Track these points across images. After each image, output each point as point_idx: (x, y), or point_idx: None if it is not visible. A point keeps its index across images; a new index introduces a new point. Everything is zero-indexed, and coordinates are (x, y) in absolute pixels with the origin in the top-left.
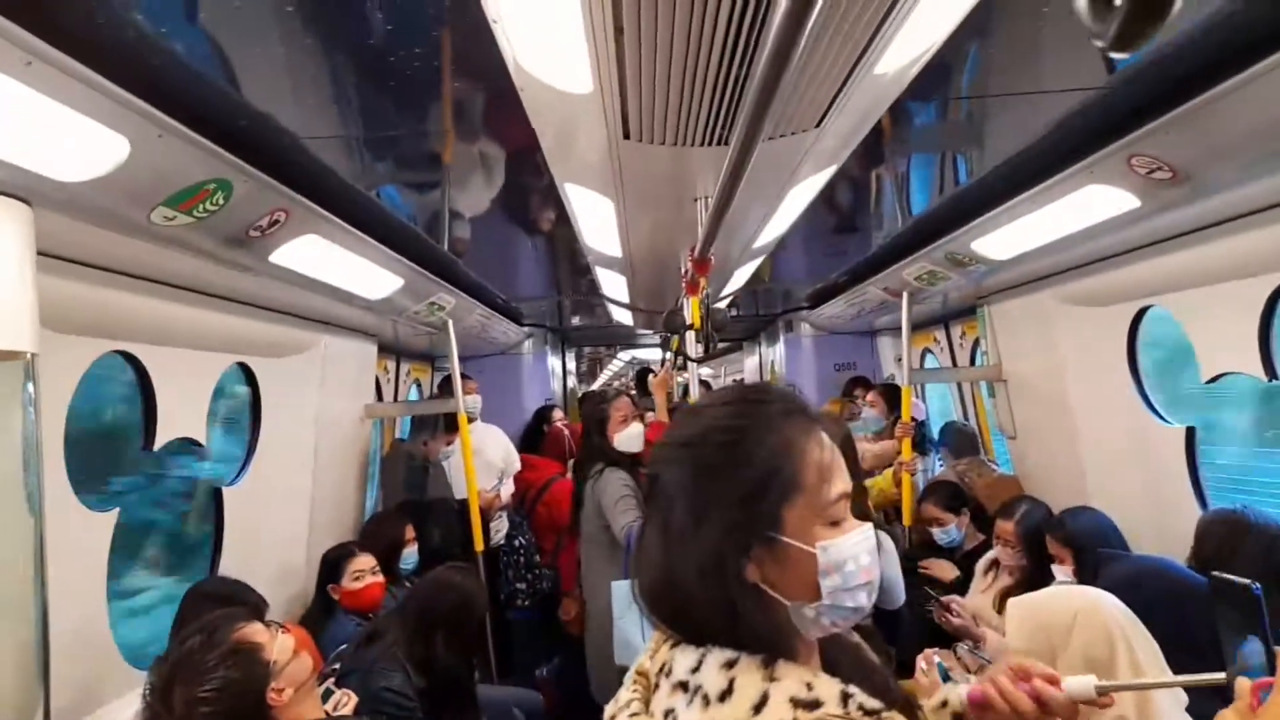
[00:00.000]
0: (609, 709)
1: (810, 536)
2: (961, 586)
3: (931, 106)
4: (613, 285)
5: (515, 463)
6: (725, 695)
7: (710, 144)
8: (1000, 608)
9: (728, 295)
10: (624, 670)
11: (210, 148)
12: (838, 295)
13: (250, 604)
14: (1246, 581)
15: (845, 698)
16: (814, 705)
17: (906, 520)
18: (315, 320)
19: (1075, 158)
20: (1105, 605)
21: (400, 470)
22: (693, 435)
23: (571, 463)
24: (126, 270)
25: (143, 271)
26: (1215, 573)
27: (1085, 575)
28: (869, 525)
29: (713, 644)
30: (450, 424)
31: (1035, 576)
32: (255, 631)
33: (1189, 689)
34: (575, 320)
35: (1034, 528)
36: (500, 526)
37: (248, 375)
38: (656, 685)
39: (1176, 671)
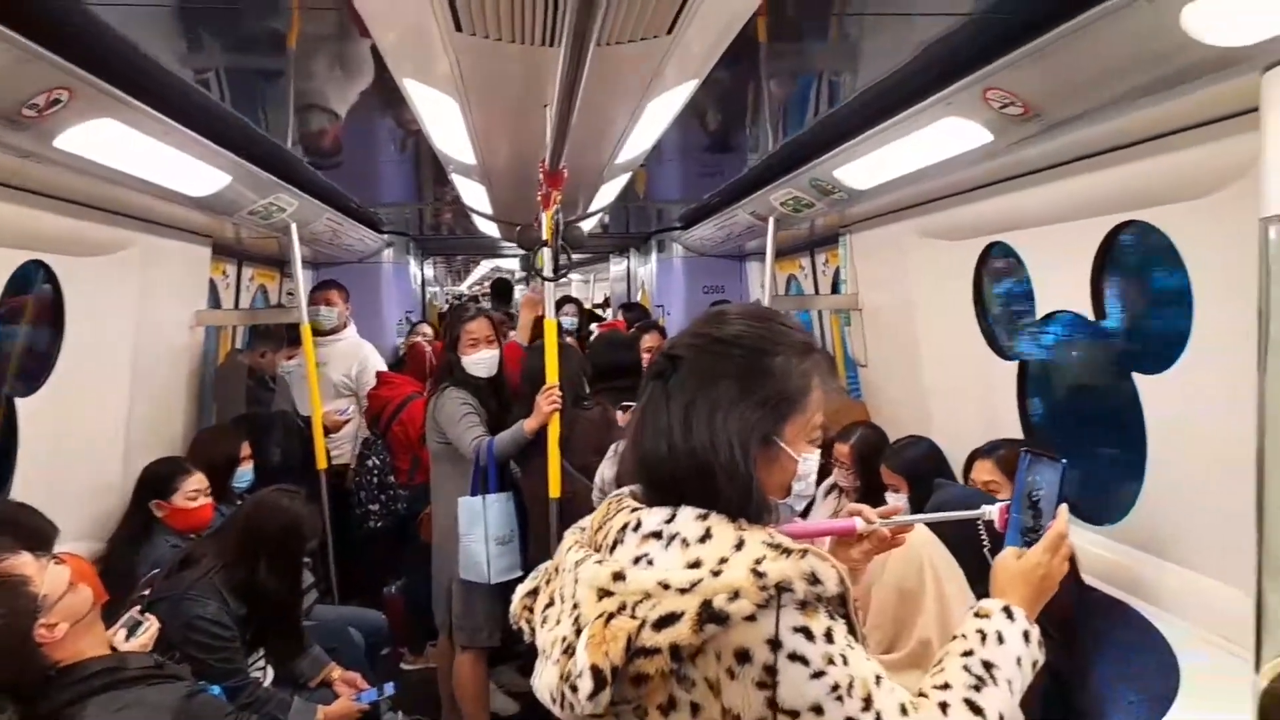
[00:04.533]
0: (523, 587)
1: (798, 449)
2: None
3: (804, 23)
4: (472, 194)
5: (370, 381)
6: (705, 539)
7: (551, 44)
8: None
9: (596, 211)
10: (468, 584)
11: None
12: (710, 217)
13: (31, 529)
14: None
15: (805, 549)
16: (781, 548)
17: None
18: (129, 216)
19: (938, 87)
20: (917, 538)
21: (240, 383)
22: (728, 335)
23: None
24: None
25: None
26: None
27: (917, 503)
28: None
29: (685, 504)
30: (296, 335)
31: (868, 499)
32: (21, 564)
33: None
34: (438, 229)
35: (868, 450)
36: (343, 447)
37: (48, 275)
38: (616, 543)
39: (978, 596)
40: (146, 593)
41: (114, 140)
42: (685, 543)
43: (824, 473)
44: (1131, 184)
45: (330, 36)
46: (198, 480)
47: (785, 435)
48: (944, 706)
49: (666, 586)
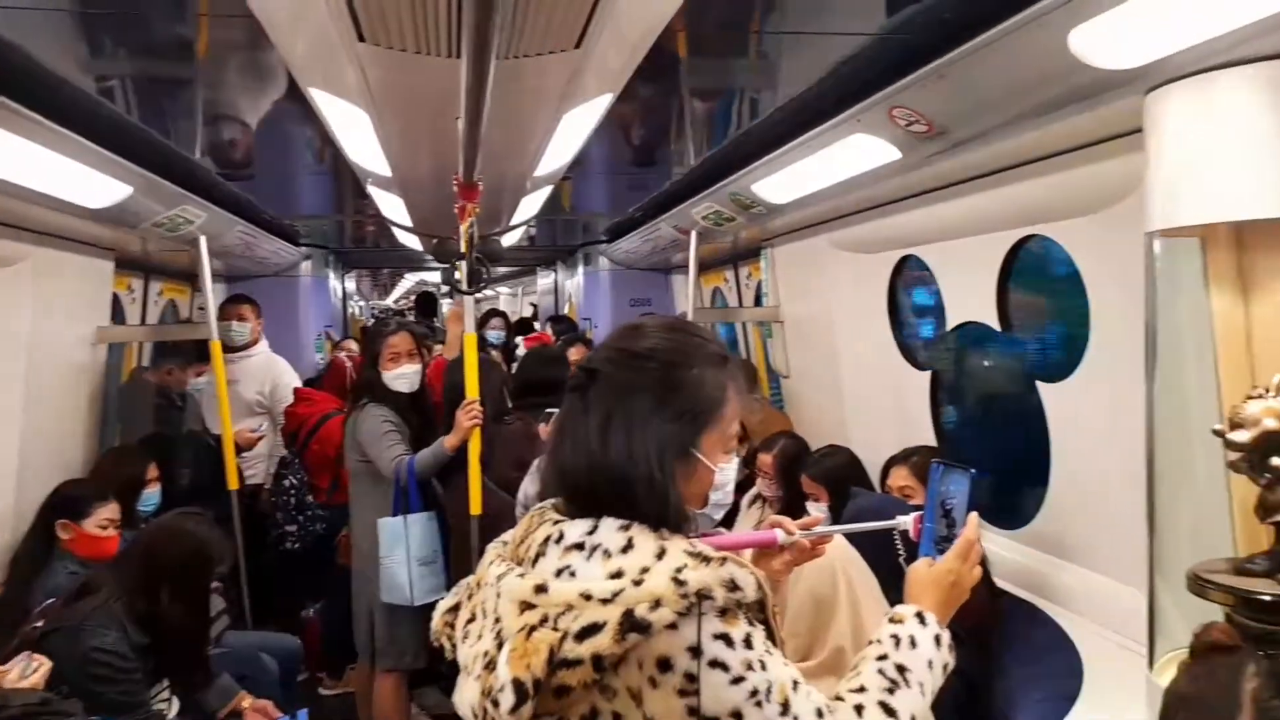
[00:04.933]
0: (444, 603)
1: (715, 459)
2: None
3: (721, 40)
4: (391, 207)
5: (285, 398)
6: (627, 549)
7: (455, 55)
8: None
9: (520, 224)
10: (390, 606)
11: None
12: (635, 230)
13: None
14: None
15: (725, 558)
16: (702, 556)
17: None
18: (21, 229)
19: (848, 105)
20: (830, 546)
21: (146, 402)
22: (644, 349)
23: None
24: None
25: None
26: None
27: (836, 511)
28: (737, 458)
29: (607, 516)
30: (204, 352)
31: (790, 508)
32: None
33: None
34: (361, 242)
35: (789, 460)
36: (256, 466)
37: None
38: (539, 556)
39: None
40: (40, 623)
41: (1, 150)
42: (607, 554)
43: (748, 483)
44: (1032, 200)
45: (239, 45)
46: (112, 510)
47: (702, 446)
48: (859, 709)
49: (588, 597)
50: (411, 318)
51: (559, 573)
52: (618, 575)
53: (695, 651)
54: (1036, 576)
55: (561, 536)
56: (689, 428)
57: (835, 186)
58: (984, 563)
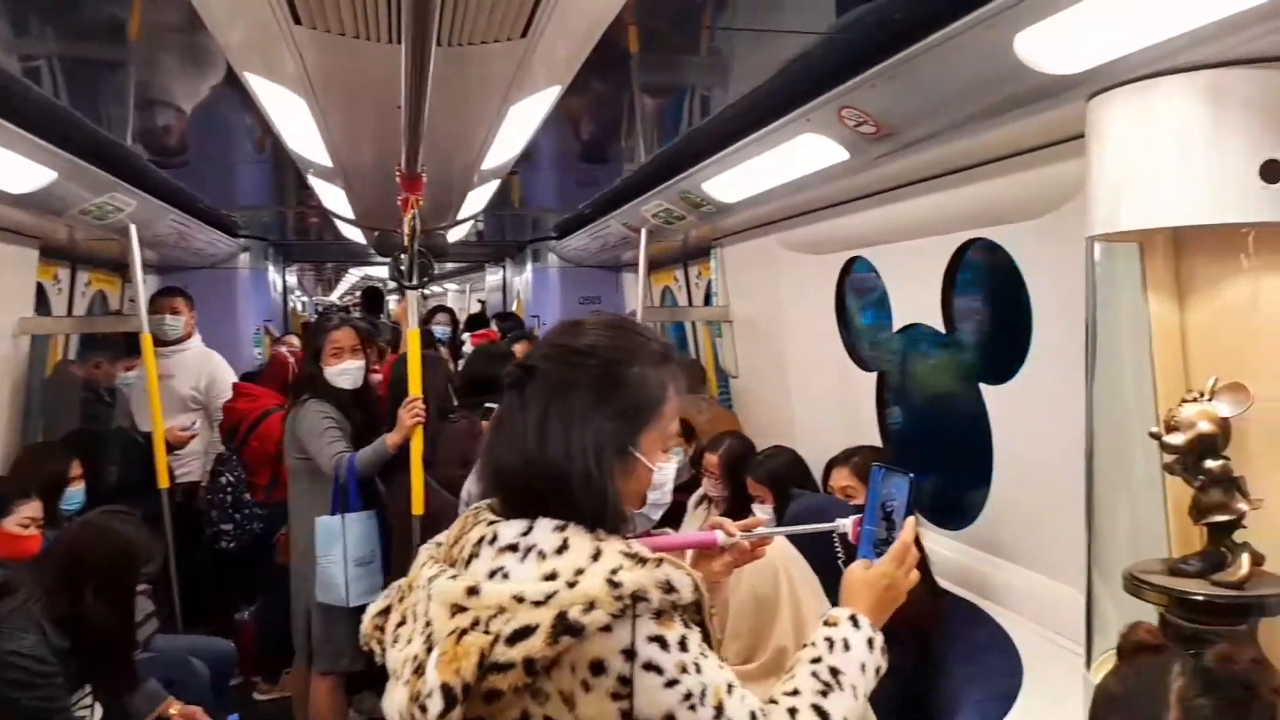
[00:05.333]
0: (374, 606)
1: (653, 458)
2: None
3: (673, 36)
4: (333, 198)
5: (222, 393)
6: (561, 550)
7: (395, 41)
8: None
9: (468, 218)
10: (327, 607)
11: None
12: (584, 227)
13: None
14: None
15: (661, 559)
16: (637, 557)
17: None
18: None
19: (798, 104)
20: (773, 547)
21: (72, 397)
22: (584, 346)
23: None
24: None
25: None
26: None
27: (781, 513)
28: (677, 456)
29: (542, 516)
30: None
31: (736, 509)
32: None
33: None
34: (304, 234)
35: (735, 461)
36: (191, 464)
37: None
38: (472, 557)
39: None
40: None
41: None
42: (542, 555)
43: (694, 483)
44: (977, 203)
45: (174, 27)
46: (33, 508)
47: (641, 445)
48: (793, 712)
49: (521, 600)
50: (357, 314)
51: (492, 574)
52: (552, 577)
53: (629, 654)
54: (978, 577)
55: (495, 537)
56: (628, 426)
57: (785, 186)
58: (926, 563)
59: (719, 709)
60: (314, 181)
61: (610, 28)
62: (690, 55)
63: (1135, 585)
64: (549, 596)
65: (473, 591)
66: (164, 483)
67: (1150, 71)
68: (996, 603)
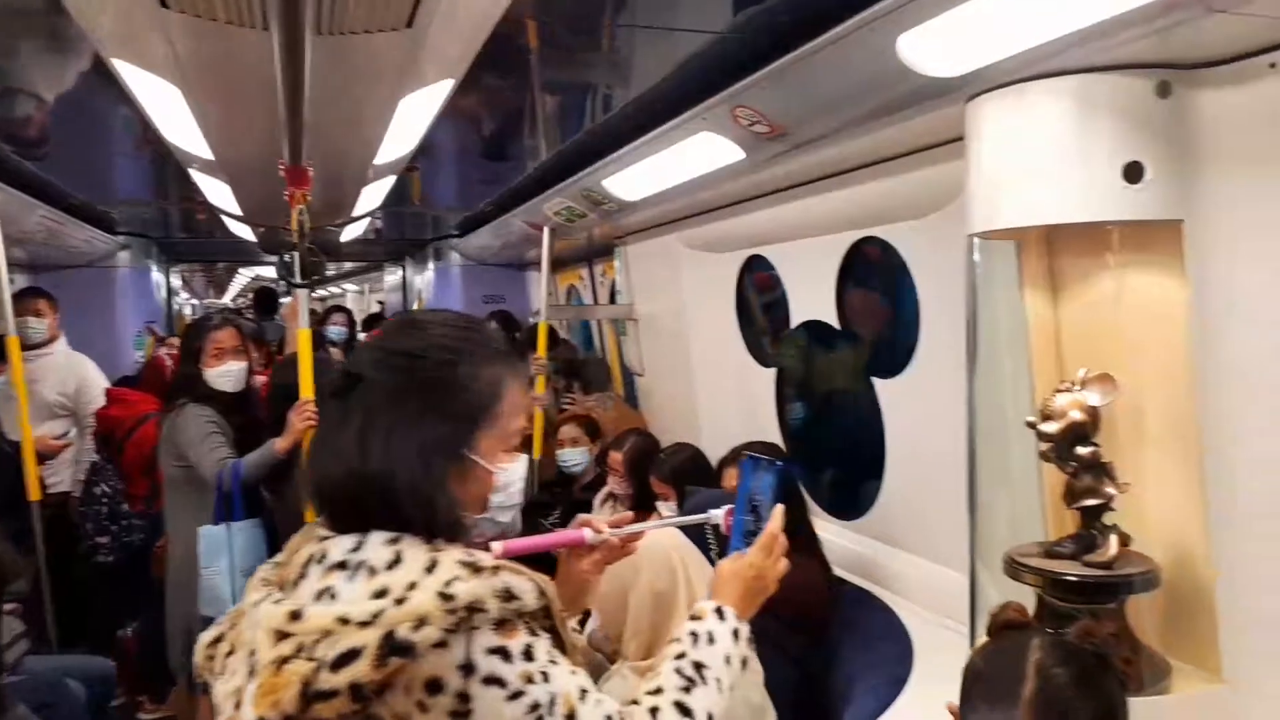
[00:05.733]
0: (206, 634)
1: (494, 460)
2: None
3: (572, 31)
4: (218, 194)
5: (93, 399)
6: (394, 565)
7: (266, 28)
8: None
9: (364, 215)
10: (210, 622)
11: None
12: (487, 225)
13: None
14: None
15: (498, 566)
16: (473, 566)
17: (535, 453)
18: None
19: (696, 103)
20: (666, 542)
21: None
22: (415, 348)
23: None
24: None
25: None
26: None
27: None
28: (525, 456)
29: (374, 529)
30: None
31: (641, 506)
32: None
33: None
34: (192, 232)
35: (639, 458)
36: (61, 473)
37: None
38: (300, 578)
39: None
40: None
41: None
42: (372, 571)
43: (600, 482)
44: (869, 202)
45: (35, 10)
46: None
47: (478, 448)
48: (654, 711)
49: (346, 621)
50: (250, 316)
51: (319, 595)
52: (381, 594)
53: (467, 669)
54: (872, 565)
55: (324, 555)
56: (461, 429)
57: (684, 185)
58: (822, 554)
59: (570, 716)
60: (197, 176)
61: (507, 23)
62: (589, 52)
63: (1014, 568)
64: (375, 616)
65: (295, 616)
66: (35, 495)
67: (1024, 76)
68: (890, 590)
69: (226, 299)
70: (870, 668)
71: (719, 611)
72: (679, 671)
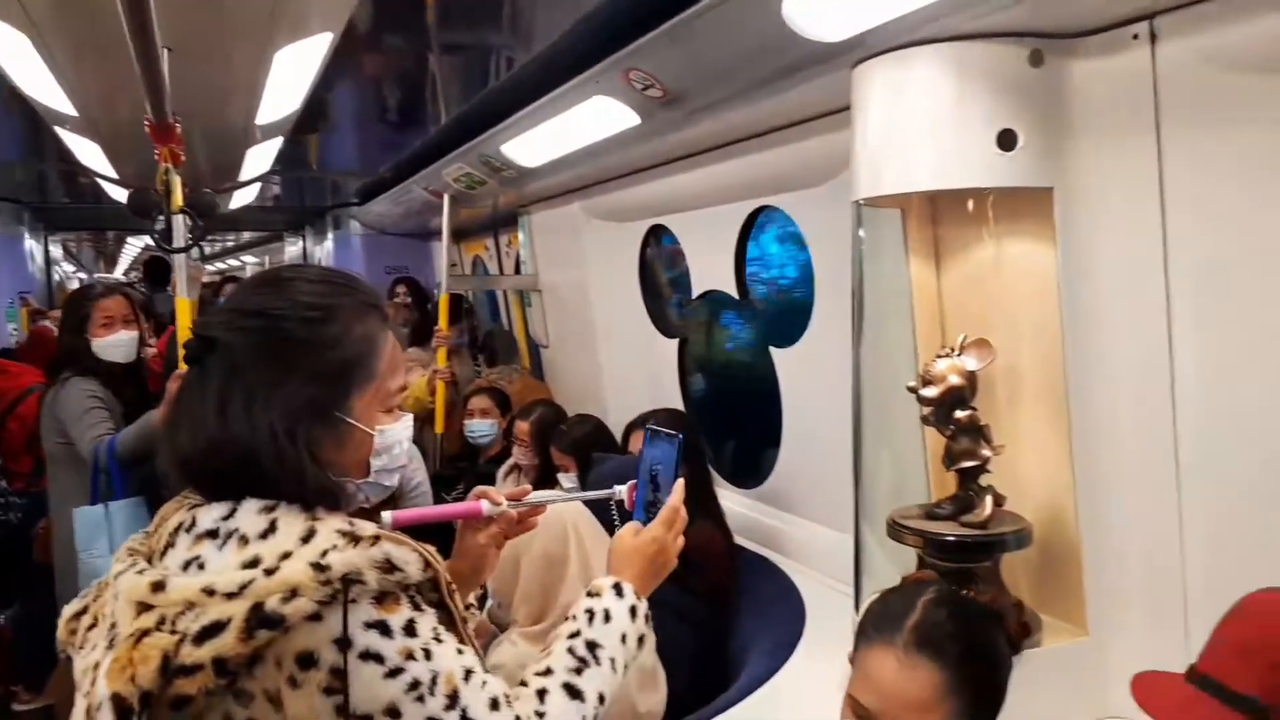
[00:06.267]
0: (70, 607)
1: (371, 421)
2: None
3: None
4: (89, 154)
5: None
6: (267, 533)
7: None
8: None
9: (252, 180)
10: None
11: None
12: (387, 192)
13: None
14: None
15: (378, 535)
16: (352, 536)
17: (439, 428)
18: None
19: (589, 65)
20: (565, 505)
21: None
22: (276, 306)
23: None
24: None
25: None
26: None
27: (585, 481)
28: (410, 416)
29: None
30: None
31: (545, 477)
32: None
33: None
34: (75, 198)
35: (545, 428)
36: None
37: None
38: (168, 547)
39: None
40: None
41: None
42: (244, 540)
43: (505, 454)
44: (764, 171)
45: None
46: None
47: (351, 409)
48: (542, 694)
49: (212, 593)
50: (141, 289)
51: (187, 565)
52: (252, 564)
53: (343, 643)
54: (769, 532)
55: (194, 523)
56: (330, 390)
57: (583, 151)
58: (724, 522)
59: (452, 697)
60: (64, 135)
61: None
62: (485, 11)
63: (895, 530)
64: (243, 587)
65: (158, 587)
66: None
67: (905, 41)
68: (786, 555)
69: (118, 273)
70: (765, 631)
71: (617, 588)
72: (571, 651)
